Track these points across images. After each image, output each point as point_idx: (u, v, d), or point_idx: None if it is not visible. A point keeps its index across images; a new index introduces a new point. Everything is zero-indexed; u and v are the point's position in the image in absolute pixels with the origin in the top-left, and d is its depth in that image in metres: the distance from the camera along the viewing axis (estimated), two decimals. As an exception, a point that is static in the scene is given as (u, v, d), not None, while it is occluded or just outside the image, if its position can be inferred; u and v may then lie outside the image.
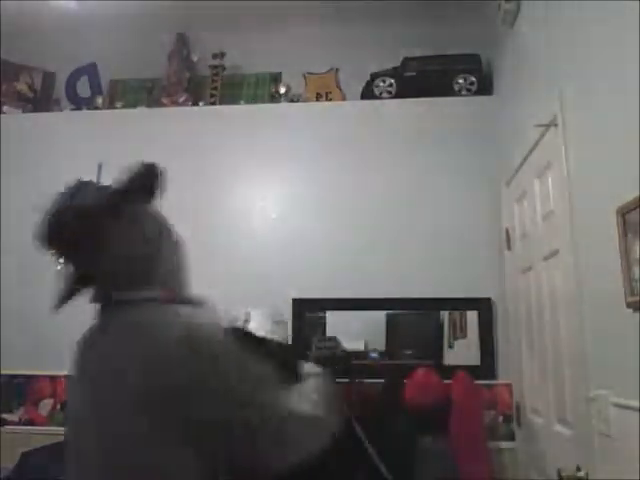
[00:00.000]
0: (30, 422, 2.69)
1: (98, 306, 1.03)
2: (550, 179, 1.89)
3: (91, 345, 1.01)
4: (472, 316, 2.58)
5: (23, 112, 3.17)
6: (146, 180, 1.06)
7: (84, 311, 1.02)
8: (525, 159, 2.17)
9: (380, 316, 2.65)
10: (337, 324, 2.65)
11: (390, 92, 2.90)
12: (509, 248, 2.48)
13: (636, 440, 1.22)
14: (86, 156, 2.72)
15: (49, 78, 3.32)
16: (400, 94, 2.89)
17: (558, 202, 1.79)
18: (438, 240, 2.67)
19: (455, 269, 2.61)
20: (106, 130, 2.96)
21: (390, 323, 2.66)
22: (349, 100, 3.02)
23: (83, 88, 3.25)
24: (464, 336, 2.60)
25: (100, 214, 0.99)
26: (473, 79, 2.84)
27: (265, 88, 3.14)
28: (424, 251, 2.67)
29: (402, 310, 2.66)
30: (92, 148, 2.83)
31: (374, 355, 2.62)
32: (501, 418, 2.45)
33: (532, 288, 2.14)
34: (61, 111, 3.19)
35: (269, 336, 1.71)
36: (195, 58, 3.18)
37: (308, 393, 0.98)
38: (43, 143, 3.00)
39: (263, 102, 3.07)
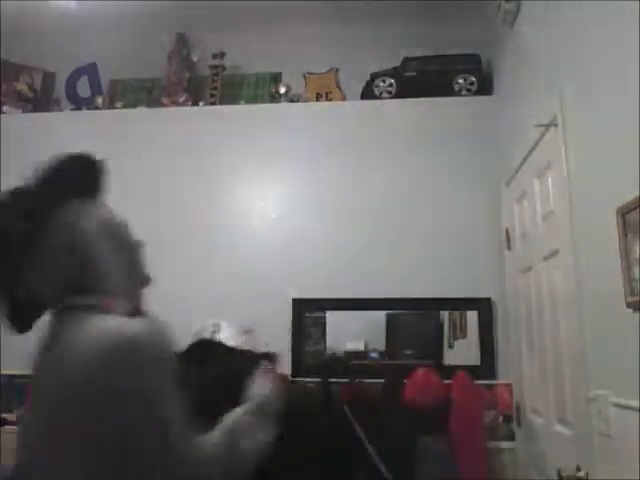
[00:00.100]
0: (30, 422, 2.69)
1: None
2: (550, 179, 1.89)
3: (36, 355, 0.99)
4: (472, 316, 2.58)
5: (23, 112, 3.17)
6: (68, 176, 0.98)
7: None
8: (525, 159, 2.17)
9: (380, 316, 2.65)
10: (337, 324, 2.66)
11: (390, 92, 2.90)
12: (509, 248, 2.48)
13: (636, 440, 1.22)
14: (86, 156, 2.72)
15: (49, 78, 3.32)
16: (400, 94, 2.89)
17: (558, 202, 1.79)
18: (438, 240, 2.67)
19: (455, 269, 2.61)
20: (106, 130, 2.95)
21: (390, 323, 2.66)
22: (349, 100, 3.02)
23: (83, 88, 3.26)
24: (464, 336, 2.59)
25: (10, 233, 0.93)
26: (473, 79, 2.84)
27: (265, 88, 3.14)
28: (424, 251, 2.67)
29: (402, 310, 2.66)
30: (92, 148, 2.76)
31: (374, 355, 2.62)
32: (501, 418, 2.45)
33: (532, 288, 2.14)
34: (61, 111, 3.19)
35: (239, 346, 1.71)
36: (195, 58, 3.18)
37: (224, 429, 0.96)
38: (43, 143, 2.96)
39: (263, 102, 3.07)
